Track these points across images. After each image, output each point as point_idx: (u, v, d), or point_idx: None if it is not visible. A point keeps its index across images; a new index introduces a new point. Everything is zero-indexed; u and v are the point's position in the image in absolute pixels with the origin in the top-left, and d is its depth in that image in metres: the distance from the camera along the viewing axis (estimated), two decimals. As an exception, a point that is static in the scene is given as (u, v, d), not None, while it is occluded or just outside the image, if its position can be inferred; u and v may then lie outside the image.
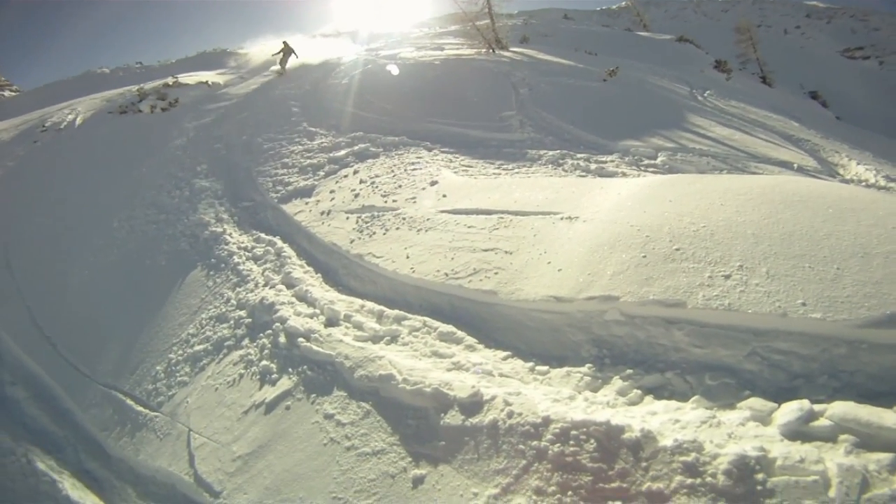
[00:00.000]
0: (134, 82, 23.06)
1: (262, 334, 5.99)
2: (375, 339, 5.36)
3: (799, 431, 3.24)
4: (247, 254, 7.96)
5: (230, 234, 8.72)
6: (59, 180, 12.89)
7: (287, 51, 21.45)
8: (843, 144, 13.24)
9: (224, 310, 6.77)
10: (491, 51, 22.01)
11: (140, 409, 5.88)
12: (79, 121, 17.53)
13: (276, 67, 21.39)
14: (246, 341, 6.04)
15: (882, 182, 9.82)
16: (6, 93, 41.69)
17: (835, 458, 2.98)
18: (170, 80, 20.27)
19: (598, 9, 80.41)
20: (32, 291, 8.73)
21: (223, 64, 27.22)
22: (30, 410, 6.42)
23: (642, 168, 9.72)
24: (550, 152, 10.44)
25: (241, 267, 7.59)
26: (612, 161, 10.01)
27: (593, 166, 9.66)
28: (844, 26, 71.21)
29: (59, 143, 15.80)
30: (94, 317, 7.73)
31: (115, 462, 5.54)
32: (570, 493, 3.31)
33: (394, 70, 15.81)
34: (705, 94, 17.27)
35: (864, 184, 9.79)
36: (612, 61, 19.92)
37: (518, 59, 19.75)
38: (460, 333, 5.21)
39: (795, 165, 10.16)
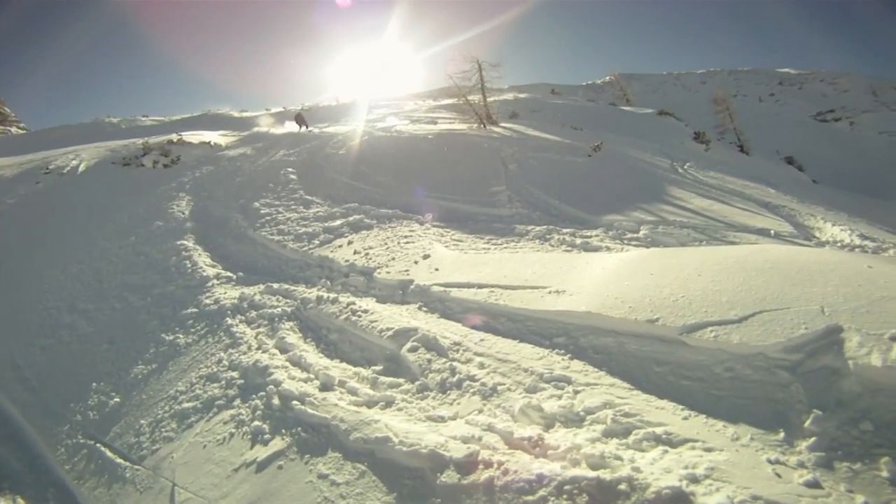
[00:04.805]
0: (139, 135, 23.65)
1: (254, 395, 5.97)
2: (370, 403, 5.43)
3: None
4: (241, 317, 7.99)
5: (223, 294, 8.80)
6: (58, 224, 13.15)
7: (299, 119, 24.49)
8: (819, 207, 13.72)
9: (215, 370, 6.75)
10: (482, 126, 22.76)
11: (120, 460, 5.79)
12: (82, 168, 17.92)
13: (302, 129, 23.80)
14: (237, 402, 6.02)
15: (857, 241, 10.18)
16: (13, 129, 42.31)
17: None
18: (174, 137, 20.85)
19: (584, 83, 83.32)
20: (15, 330, 8.88)
21: (225, 125, 28.01)
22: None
23: (625, 241, 9.95)
24: (538, 227, 10.68)
25: (234, 329, 7.61)
26: (596, 235, 10.27)
27: (579, 241, 9.88)
28: (815, 91, 73.82)
29: (60, 187, 16.14)
30: (77, 364, 7.77)
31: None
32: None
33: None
34: (685, 167, 17.92)
35: (839, 244, 10.11)
36: (596, 136, 20.80)
37: (508, 135, 20.48)
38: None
39: (773, 232, 10.51)
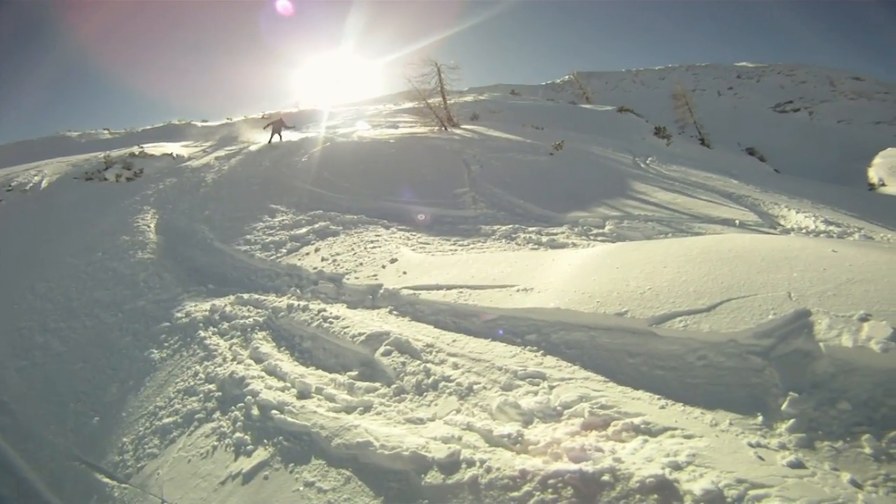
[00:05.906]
0: (100, 149, 23.38)
1: (233, 407, 5.93)
2: (349, 409, 5.42)
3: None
4: (213, 329, 7.91)
5: (194, 307, 8.70)
6: (23, 242, 12.89)
7: (276, 126, 21.97)
8: (782, 195, 13.95)
9: (192, 383, 6.68)
10: (443, 128, 22.80)
11: (107, 480, 5.69)
12: (44, 184, 17.71)
13: (271, 140, 21.68)
14: (217, 414, 5.97)
15: (821, 226, 10.38)
16: (-27, 146, 41.69)
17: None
18: (136, 150, 20.63)
19: (544, 83, 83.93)
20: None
21: (187, 136, 27.93)
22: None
23: (591, 237, 10.00)
24: (503, 227, 10.72)
25: (207, 342, 7.54)
26: (562, 232, 10.31)
27: (545, 239, 9.92)
28: (773, 83, 75.22)
29: (23, 204, 15.96)
30: (54, 385, 7.61)
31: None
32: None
33: None
34: (647, 161, 18.15)
35: (804, 230, 10.30)
36: (557, 135, 20.94)
37: (469, 137, 20.51)
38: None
39: (737, 221, 10.65)
